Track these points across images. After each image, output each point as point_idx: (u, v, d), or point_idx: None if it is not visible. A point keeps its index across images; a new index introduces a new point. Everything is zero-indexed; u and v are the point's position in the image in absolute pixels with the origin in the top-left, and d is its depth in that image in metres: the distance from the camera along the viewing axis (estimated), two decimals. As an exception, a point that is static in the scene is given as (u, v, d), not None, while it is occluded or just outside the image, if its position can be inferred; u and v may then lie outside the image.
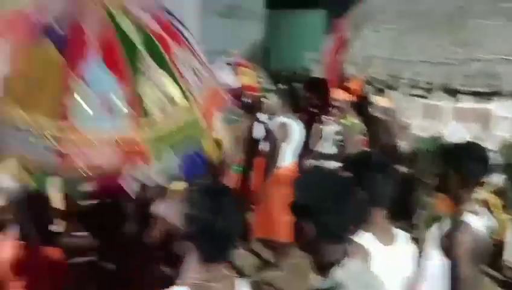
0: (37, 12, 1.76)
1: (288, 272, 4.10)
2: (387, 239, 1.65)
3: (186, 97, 2.02)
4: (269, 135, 3.94)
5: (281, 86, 5.77)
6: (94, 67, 1.68)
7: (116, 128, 1.73)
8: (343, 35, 5.66)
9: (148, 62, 1.87)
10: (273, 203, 3.90)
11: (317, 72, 6.71)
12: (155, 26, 1.91)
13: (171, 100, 1.95)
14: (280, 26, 12.06)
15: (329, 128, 4.22)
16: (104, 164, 1.72)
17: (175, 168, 2.03)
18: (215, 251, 1.28)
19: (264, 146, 4.13)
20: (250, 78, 5.75)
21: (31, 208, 2.11)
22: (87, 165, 1.68)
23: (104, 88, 1.70)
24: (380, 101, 4.66)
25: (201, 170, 2.34)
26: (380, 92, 4.85)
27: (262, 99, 5.32)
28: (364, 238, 1.52)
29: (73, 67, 1.66)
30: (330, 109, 4.31)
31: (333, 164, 4.00)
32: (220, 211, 1.24)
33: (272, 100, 4.03)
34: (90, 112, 1.67)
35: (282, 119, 3.87)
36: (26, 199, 2.08)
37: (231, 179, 4.25)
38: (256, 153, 4.34)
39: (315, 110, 6.47)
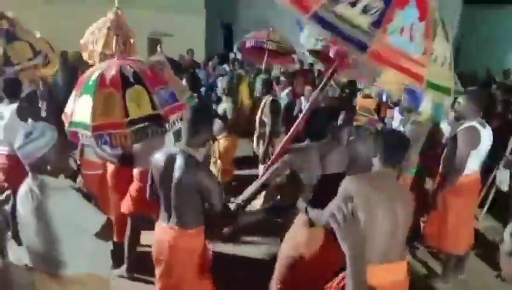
0: None
1: (455, 288, 3.83)
2: None
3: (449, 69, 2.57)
4: (453, 140, 3.63)
5: (473, 88, 5.23)
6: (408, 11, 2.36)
7: (413, 52, 2.33)
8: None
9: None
10: (451, 212, 3.61)
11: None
12: None
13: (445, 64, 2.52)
14: (478, 24, 10.90)
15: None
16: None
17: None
18: None
19: (445, 151, 3.82)
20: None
21: None
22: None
23: (413, 24, 2.34)
24: None
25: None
26: None
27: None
28: None
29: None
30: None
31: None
32: None
33: (462, 103, 3.68)
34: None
35: (470, 123, 3.51)
36: None
37: (406, 180, 4.10)
38: (436, 157, 4.06)
39: (511, 116, 5.71)
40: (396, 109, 5.12)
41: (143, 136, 3.13)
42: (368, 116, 4.13)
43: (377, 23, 2.28)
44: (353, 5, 2.31)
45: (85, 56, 4.80)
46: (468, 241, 3.78)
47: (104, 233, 2.28)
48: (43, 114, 4.70)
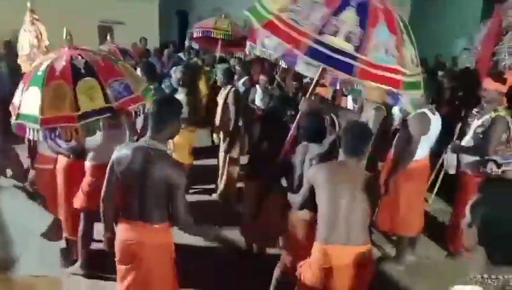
0: None
1: (407, 269, 4.00)
2: None
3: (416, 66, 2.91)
4: (404, 126, 3.75)
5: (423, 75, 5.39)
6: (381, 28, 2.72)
7: (387, 62, 2.66)
8: (502, 21, 5.06)
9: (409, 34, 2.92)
10: (402, 196, 3.75)
11: (467, 61, 6.15)
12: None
13: (413, 63, 2.85)
14: (427, 11, 11.27)
15: (474, 121, 3.85)
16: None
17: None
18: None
19: (397, 137, 3.94)
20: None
21: None
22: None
23: (386, 39, 2.71)
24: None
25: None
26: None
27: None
28: None
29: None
30: (480, 101, 3.92)
31: (472, 158, 3.71)
32: None
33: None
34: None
35: (421, 109, 3.64)
36: None
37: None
38: (388, 144, 4.19)
39: (458, 102, 5.97)
40: (350, 97, 5.20)
41: (95, 130, 3.03)
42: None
43: (359, 48, 2.61)
44: (335, 35, 2.62)
45: (24, 68, 4.56)
46: (419, 223, 3.96)
47: (50, 233, 2.19)
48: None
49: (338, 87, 5.93)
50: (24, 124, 2.83)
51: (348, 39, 2.62)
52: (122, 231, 2.58)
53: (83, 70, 2.83)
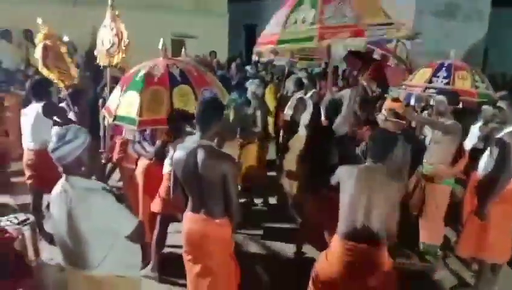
0: None
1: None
2: None
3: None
4: (496, 144, 3.47)
5: (504, 92, 5.09)
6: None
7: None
8: None
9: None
10: (493, 220, 3.46)
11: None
12: None
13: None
14: (508, 25, 10.62)
15: None
16: None
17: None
18: None
19: (485, 159, 3.66)
20: (467, 81, 5.28)
21: None
22: None
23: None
24: None
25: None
26: None
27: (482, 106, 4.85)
28: None
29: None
30: None
31: None
32: None
33: (505, 107, 3.55)
34: None
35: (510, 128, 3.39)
36: None
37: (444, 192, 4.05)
38: (473, 166, 3.93)
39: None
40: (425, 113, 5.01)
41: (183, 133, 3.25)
42: (394, 120, 4.05)
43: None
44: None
45: (102, 62, 4.64)
46: (508, 249, 3.63)
47: (135, 236, 2.25)
48: (72, 114, 4.68)
49: (412, 103, 5.82)
50: (121, 125, 3.06)
51: None
52: (187, 221, 2.75)
53: (178, 78, 3.05)
